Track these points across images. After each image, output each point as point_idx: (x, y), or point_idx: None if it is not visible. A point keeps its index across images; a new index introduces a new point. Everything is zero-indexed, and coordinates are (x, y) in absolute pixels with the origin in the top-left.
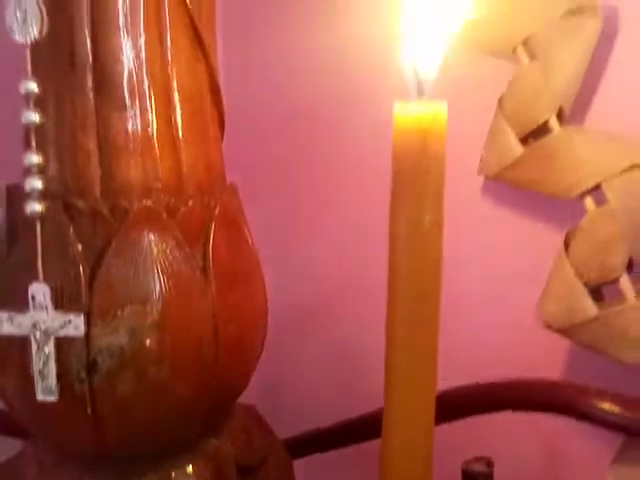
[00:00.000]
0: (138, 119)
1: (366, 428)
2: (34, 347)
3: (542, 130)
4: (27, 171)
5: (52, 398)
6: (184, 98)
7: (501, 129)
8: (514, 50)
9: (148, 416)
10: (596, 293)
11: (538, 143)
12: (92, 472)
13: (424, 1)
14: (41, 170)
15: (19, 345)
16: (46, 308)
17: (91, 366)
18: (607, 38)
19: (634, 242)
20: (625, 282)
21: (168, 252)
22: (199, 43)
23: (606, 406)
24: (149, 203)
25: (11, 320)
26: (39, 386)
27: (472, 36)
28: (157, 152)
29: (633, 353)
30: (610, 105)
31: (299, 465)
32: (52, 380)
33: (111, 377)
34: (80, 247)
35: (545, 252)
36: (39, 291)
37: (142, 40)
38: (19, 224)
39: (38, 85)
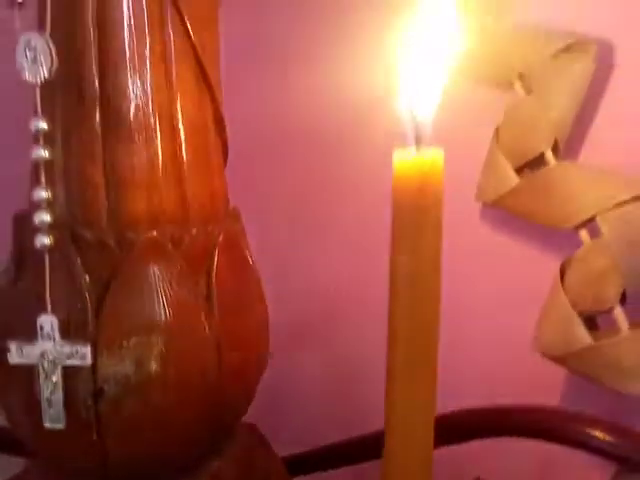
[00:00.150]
0: (144, 152)
1: (366, 448)
2: (42, 376)
3: (537, 161)
4: (36, 205)
5: (59, 425)
6: (189, 130)
7: (497, 159)
8: (510, 83)
9: (152, 440)
10: (590, 322)
11: (534, 175)
12: None
13: (418, 47)
14: (50, 204)
15: (26, 372)
16: (54, 338)
17: (97, 394)
18: (602, 73)
19: (627, 275)
20: (619, 313)
21: (173, 282)
22: (204, 76)
23: (599, 434)
24: (154, 234)
25: (20, 350)
26: (46, 414)
27: (470, 67)
28: (163, 184)
29: (627, 383)
30: (604, 139)
31: None
32: (59, 408)
33: (116, 404)
34: (87, 278)
35: (543, 278)
36: (47, 322)
37: (149, 76)
38: (27, 254)
39: (47, 122)
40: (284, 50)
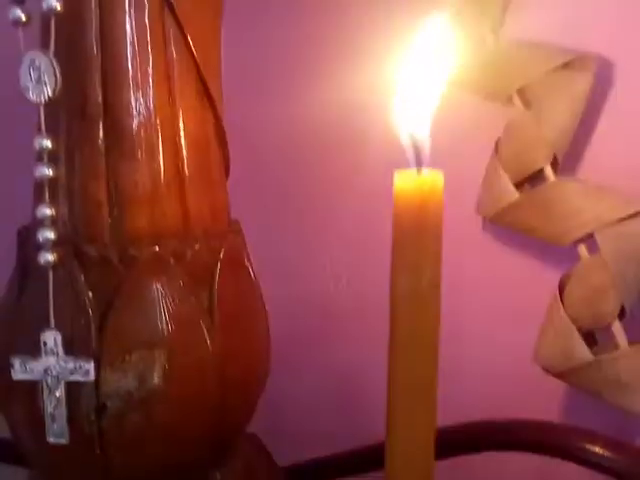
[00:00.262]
0: (147, 169)
1: (367, 459)
2: (45, 391)
3: (537, 176)
4: (40, 222)
5: (63, 440)
6: (191, 146)
7: (497, 173)
8: (509, 98)
9: (154, 454)
10: (590, 337)
11: (533, 190)
12: None
13: (414, 70)
14: (53, 221)
15: (30, 387)
16: (57, 354)
17: (100, 409)
18: (601, 90)
19: (626, 291)
20: (617, 329)
21: (175, 298)
22: (206, 92)
23: (598, 450)
24: (156, 250)
25: (23, 366)
26: (50, 429)
27: (470, 81)
28: (165, 200)
29: (626, 399)
30: (603, 156)
31: None
32: (63, 423)
33: (119, 419)
34: (90, 294)
35: (544, 291)
36: (50, 337)
37: (152, 93)
38: (30, 269)
39: (51, 140)
40: (284, 67)
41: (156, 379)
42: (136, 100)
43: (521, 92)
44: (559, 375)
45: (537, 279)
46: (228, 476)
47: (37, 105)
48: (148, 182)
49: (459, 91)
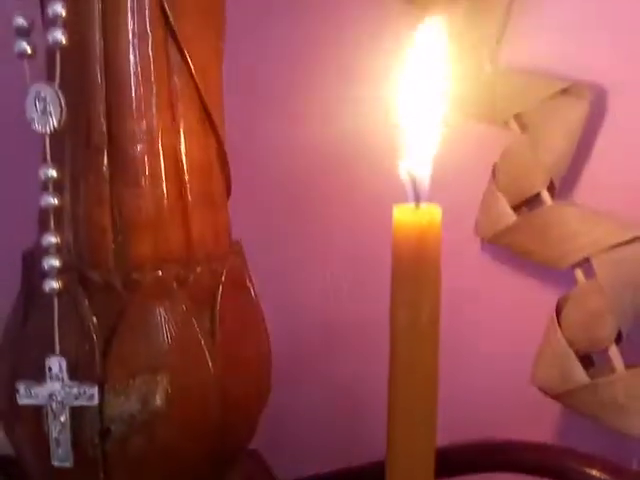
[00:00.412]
0: (150, 195)
1: (368, 475)
2: (50, 416)
3: (534, 199)
4: (45, 250)
5: (67, 464)
6: (194, 171)
7: (494, 196)
8: (506, 123)
9: (157, 475)
10: (587, 360)
11: (530, 214)
12: None
13: (414, 107)
14: (59, 249)
15: (34, 411)
16: (62, 379)
17: (104, 433)
18: (596, 116)
19: (622, 315)
20: (614, 353)
21: (178, 321)
22: (208, 117)
23: (595, 473)
24: (160, 274)
25: (28, 391)
26: (55, 453)
27: (467, 106)
28: (168, 225)
29: (623, 422)
30: (598, 181)
31: None
32: (67, 448)
33: (123, 442)
34: (95, 319)
35: (543, 312)
36: (55, 363)
37: (155, 121)
38: (35, 295)
39: (56, 169)
40: (286, 88)
41: (159, 402)
42: (140, 128)
43: (518, 118)
44: (556, 397)
45: (536, 300)
46: None
47: (42, 135)
48: (151, 208)
49: (456, 116)
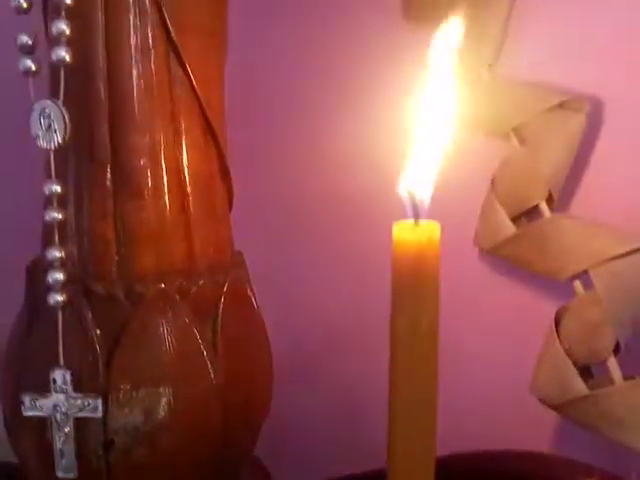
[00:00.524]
0: (153, 208)
1: None
2: (55, 428)
3: (533, 211)
4: (49, 264)
5: (71, 475)
6: (196, 184)
7: (493, 207)
8: (506, 135)
9: None
10: (585, 371)
11: (529, 226)
12: None
13: (418, 128)
14: (63, 263)
15: (39, 422)
16: (66, 391)
17: (108, 444)
18: (593, 128)
19: (619, 328)
20: (612, 365)
21: (180, 333)
22: (210, 131)
23: None
24: (162, 286)
25: (33, 402)
26: (59, 464)
27: (466, 117)
28: (171, 237)
29: (622, 433)
30: (596, 193)
31: None
32: (71, 459)
33: (126, 453)
34: (98, 331)
35: (542, 321)
36: (60, 375)
37: (157, 135)
38: (39, 307)
39: (61, 185)
40: (287, 109)
41: (162, 413)
42: (143, 142)
43: (517, 129)
44: (555, 407)
45: (536, 311)
46: None
47: (47, 151)
48: (154, 221)
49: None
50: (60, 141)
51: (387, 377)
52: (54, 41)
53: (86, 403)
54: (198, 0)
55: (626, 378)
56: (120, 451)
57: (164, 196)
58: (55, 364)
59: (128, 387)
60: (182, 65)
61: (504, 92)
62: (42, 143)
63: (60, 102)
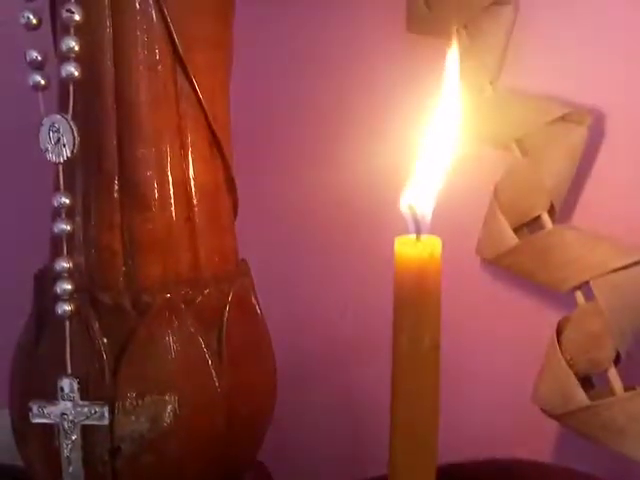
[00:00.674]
0: (160, 218)
1: None
2: (62, 435)
3: (535, 222)
4: (57, 275)
5: None
6: (202, 195)
7: (496, 217)
8: (508, 147)
9: None
10: (587, 381)
11: (531, 237)
12: None
13: (420, 145)
14: (71, 274)
15: (46, 429)
16: (73, 399)
17: (114, 452)
18: (595, 140)
19: (620, 339)
20: (613, 375)
21: (185, 342)
22: (215, 142)
23: None
24: (168, 296)
25: (41, 410)
26: (66, 471)
27: (468, 130)
28: (177, 248)
29: (623, 444)
30: (597, 204)
31: None
32: (78, 466)
33: (132, 460)
34: (105, 340)
35: (544, 332)
36: (67, 384)
37: (164, 147)
38: (47, 316)
39: (69, 196)
40: (290, 129)
41: (167, 420)
42: (150, 154)
43: (519, 142)
44: (557, 418)
45: (537, 321)
46: None
47: (56, 164)
48: (161, 232)
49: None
50: (69, 155)
51: (389, 389)
52: (63, 57)
53: (93, 411)
54: (204, 15)
55: (627, 388)
56: (126, 458)
57: (170, 207)
58: (62, 372)
59: (134, 395)
60: (188, 79)
61: (507, 105)
62: (51, 157)
63: (69, 116)
